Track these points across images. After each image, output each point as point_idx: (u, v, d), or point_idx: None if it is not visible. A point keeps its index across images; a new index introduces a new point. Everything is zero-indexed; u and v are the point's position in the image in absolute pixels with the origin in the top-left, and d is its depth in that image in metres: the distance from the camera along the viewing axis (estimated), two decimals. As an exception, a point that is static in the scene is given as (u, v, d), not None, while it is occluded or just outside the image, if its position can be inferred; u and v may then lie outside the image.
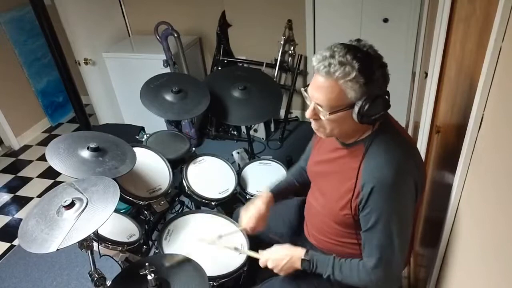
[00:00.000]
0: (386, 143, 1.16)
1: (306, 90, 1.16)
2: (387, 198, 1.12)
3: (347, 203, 1.21)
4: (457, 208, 1.15)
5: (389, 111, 1.18)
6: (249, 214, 1.49)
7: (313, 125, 1.21)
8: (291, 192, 1.61)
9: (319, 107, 1.12)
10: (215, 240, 1.53)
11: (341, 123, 1.13)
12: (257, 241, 1.62)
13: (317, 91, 1.10)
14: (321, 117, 1.14)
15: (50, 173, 3.44)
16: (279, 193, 1.57)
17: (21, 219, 2.12)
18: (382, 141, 1.17)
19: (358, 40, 1.11)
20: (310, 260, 1.29)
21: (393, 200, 1.13)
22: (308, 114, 1.17)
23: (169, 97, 2.12)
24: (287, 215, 1.65)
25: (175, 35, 3.12)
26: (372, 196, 1.13)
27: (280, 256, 1.34)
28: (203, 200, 1.92)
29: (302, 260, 1.30)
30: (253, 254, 1.45)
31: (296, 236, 1.59)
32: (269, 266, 1.36)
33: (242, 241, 1.64)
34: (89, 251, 1.36)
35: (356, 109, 1.08)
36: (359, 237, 1.26)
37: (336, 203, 1.25)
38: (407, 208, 1.17)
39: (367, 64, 1.05)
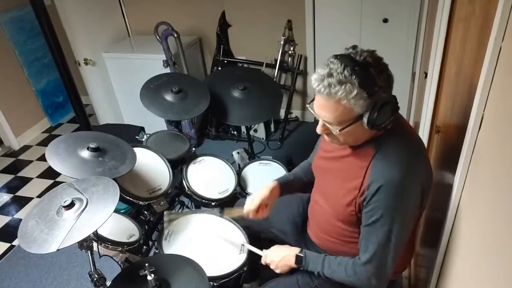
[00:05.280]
0: (397, 145, 1.17)
1: (311, 107, 1.16)
2: (392, 198, 1.12)
3: (352, 200, 1.21)
4: (457, 208, 1.15)
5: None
6: (252, 198, 1.48)
7: (326, 138, 1.22)
8: (298, 187, 1.58)
9: (327, 125, 1.14)
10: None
11: (354, 133, 1.14)
12: (262, 236, 1.64)
13: (322, 111, 1.11)
14: (332, 132, 1.15)
15: (50, 173, 3.44)
16: (286, 185, 1.54)
17: (21, 219, 2.12)
18: (393, 143, 1.17)
19: (354, 47, 1.09)
20: (303, 256, 1.34)
21: (398, 201, 1.13)
22: (319, 130, 1.18)
23: (169, 97, 2.12)
24: (292, 212, 1.64)
25: (175, 35, 3.12)
26: (377, 194, 1.13)
27: (276, 254, 1.41)
28: (203, 200, 1.92)
29: (297, 256, 1.34)
30: (256, 250, 1.52)
31: (299, 236, 1.59)
32: (267, 262, 1.43)
33: (243, 240, 1.64)
34: (89, 251, 1.35)
35: (365, 120, 1.08)
36: None
37: (341, 199, 1.25)
38: (410, 210, 1.18)
39: (367, 76, 1.04)
